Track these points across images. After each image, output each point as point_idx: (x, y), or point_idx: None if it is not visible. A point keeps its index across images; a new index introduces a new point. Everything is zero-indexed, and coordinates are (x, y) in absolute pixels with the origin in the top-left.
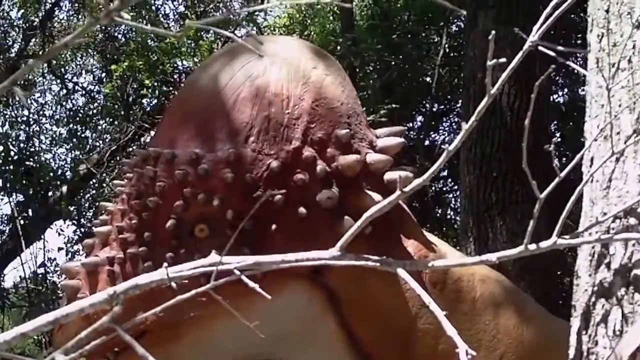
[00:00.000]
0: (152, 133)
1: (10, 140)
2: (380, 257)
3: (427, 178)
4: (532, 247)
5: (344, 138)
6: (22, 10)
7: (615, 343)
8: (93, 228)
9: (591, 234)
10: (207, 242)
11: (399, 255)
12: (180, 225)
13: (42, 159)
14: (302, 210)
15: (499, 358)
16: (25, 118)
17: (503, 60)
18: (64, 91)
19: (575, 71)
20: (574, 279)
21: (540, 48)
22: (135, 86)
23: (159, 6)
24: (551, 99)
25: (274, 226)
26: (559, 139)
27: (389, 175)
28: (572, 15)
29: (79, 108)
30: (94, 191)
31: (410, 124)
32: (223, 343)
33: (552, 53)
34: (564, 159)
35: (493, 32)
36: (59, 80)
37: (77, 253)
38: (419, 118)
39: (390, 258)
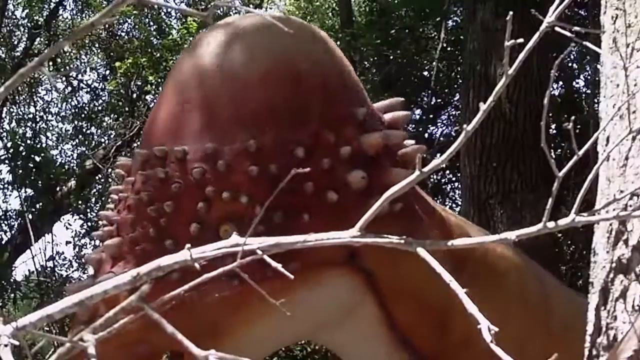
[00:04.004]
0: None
1: (17, 137)
2: (400, 237)
3: (445, 159)
4: (551, 224)
5: (361, 116)
6: (27, 10)
7: (635, 318)
8: (98, 241)
9: (608, 212)
10: None
11: (426, 231)
12: (204, 228)
13: (49, 155)
14: (332, 195)
15: (528, 331)
16: (31, 115)
17: (520, 40)
18: (69, 89)
19: (570, 64)
20: (591, 256)
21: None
22: (139, 83)
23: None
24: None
25: (306, 216)
26: (555, 131)
27: (401, 151)
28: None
29: (84, 105)
30: (100, 186)
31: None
32: (261, 344)
33: (568, 33)
34: (559, 150)
35: (511, 12)
36: (64, 78)
37: (84, 246)
38: (418, 111)
39: (410, 237)
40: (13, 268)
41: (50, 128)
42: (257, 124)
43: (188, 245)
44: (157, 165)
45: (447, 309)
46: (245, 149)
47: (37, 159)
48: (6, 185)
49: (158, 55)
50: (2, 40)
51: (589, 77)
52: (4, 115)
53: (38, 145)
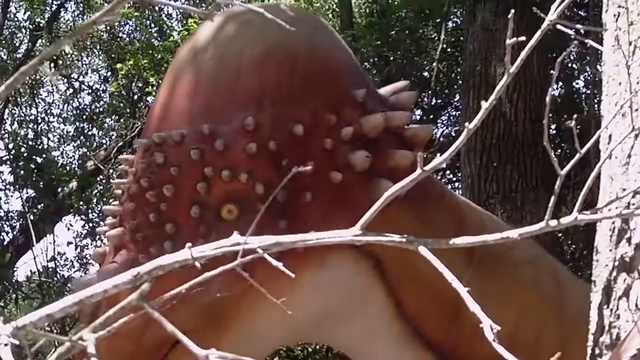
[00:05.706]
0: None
1: (19, 138)
2: (402, 235)
3: (447, 157)
4: (553, 223)
5: (360, 98)
6: (29, 12)
7: (638, 316)
8: (102, 234)
9: (611, 210)
10: (240, 223)
11: (437, 215)
12: (205, 210)
13: (51, 156)
14: (335, 175)
15: (543, 323)
16: (33, 117)
17: (522, 38)
18: (71, 90)
19: (570, 65)
20: (594, 254)
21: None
22: (140, 84)
23: (162, 6)
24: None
25: (308, 195)
26: (555, 131)
27: (407, 131)
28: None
29: (85, 106)
30: (101, 187)
31: None
32: (267, 331)
33: (569, 31)
34: (559, 150)
35: (512, 10)
36: (65, 80)
37: (86, 247)
38: (418, 112)
39: (412, 236)
40: (15, 268)
41: (52, 129)
42: (254, 102)
43: (189, 244)
44: (157, 151)
45: (458, 299)
46: (242, 127)
47: (39, 160)
48: (8, 186)
49: (159, 56)
50: (4, 42)
51: (589, 77)
52: (5, 116)
53: (39, 147)
